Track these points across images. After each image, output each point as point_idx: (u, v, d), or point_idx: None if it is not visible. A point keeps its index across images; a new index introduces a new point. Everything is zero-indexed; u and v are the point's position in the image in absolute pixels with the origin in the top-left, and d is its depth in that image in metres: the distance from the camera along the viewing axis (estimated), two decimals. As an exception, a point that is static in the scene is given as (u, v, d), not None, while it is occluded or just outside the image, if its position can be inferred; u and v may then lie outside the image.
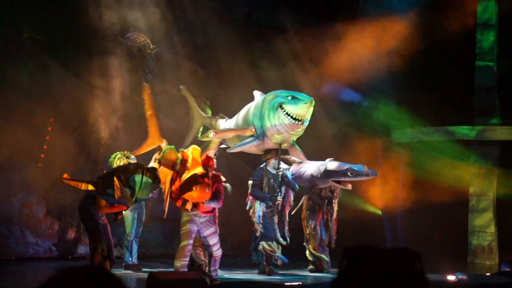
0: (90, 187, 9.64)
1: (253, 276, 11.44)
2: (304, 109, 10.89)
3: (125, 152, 11.63)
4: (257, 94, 12.37)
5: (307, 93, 11.69)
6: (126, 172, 9.77)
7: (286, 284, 9.24)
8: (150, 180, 9.80)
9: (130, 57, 14.06)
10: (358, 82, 16.88)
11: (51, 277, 1.83)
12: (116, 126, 13.94)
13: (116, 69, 13.67)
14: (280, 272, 11.85)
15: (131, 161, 11.16)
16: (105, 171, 10.90)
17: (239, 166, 15.44)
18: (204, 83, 15.60)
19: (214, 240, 10.19)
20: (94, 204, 9.78)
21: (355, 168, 11.95)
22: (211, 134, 11.11)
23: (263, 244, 11.46)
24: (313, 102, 10.87)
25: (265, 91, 12.29)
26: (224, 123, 12.83)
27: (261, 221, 11.48)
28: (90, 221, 9.88)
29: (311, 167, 12.38)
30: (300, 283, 10.03)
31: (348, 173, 11.94)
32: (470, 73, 16.54)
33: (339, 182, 12.11)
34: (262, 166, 11.83)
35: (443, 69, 17.05)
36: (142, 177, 9.73)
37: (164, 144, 11.60)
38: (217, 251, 10.20)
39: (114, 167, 11.04)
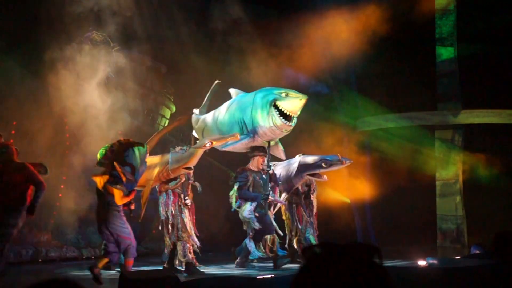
0: (106, 178, 8.94)
1: (228, 271, 11.38)
2: (297, 105, 10.64)
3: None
4: (233, 91, 12.07)
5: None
6: (118, 150, 9.13)
7: (258, 277, 9.22)
8: (141, 148, 9.34)
9: (90, 55, 13.82)
10: (321, 73, 16.90)
11: None
12: (82, 126, 13.70)
13: (76, 68, 13.43)
14: (256, 265, 11.77)
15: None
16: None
17: (209, 163, 15.38)
18: (166, 79, 15.49)
19: None
20: (109, 202, 8.98)
21: (328, 158, 11.94)
22: (207, 144, 10.58)
23: (267, 239, 11.18)
24: (307, 98, 10.63)
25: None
26: (198, 120, 12.43)
27: (255, 219, 11.17)
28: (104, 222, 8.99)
29: (283, 169, 12.28)
30: (273, 275, 10.01)
31: (322, 164, 11.91)
32: (432, 59, 16.66)
33: (313, 175, 12.09)
34: (246, 166, 11.58)
35: (406, 56, 17.16)
36: (135, 149, 9.21)
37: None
38: None
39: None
